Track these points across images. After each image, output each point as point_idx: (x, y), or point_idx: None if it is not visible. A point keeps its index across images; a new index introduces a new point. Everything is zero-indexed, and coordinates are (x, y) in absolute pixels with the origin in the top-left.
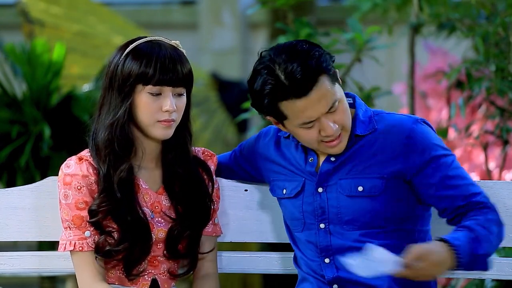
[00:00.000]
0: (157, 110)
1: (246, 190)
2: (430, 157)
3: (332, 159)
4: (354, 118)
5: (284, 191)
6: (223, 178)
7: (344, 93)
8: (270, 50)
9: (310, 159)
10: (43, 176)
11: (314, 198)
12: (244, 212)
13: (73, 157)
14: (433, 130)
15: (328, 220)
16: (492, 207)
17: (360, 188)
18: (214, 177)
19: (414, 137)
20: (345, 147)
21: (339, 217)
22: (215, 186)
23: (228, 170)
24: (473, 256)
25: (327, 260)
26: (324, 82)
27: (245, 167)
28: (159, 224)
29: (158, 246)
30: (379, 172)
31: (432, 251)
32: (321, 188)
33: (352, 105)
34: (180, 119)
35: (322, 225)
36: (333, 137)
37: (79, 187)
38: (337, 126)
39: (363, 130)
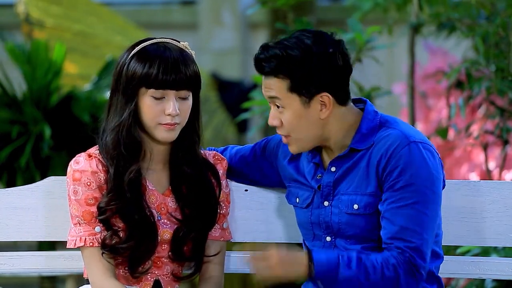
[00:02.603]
0: (159, 113)
1: (246, 190)
2: (401, 185)
3: (332, 169)
4: (357, 131)
5: (297, 199)
6: (236, 172)
7: (357, 98)
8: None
9: (318, 175)
10: (43, 176)
11: (320, 212)
12: (244, 212)
13: (82, 153)
14: (433, 155)
15: (333, 233)
16: (406, 259)
17: (355, 206)
18: (223, 181)
19: (401, 156)
20: (343, 159)
21: (342, 232)
22: (225, 190)
23: (244, 167)
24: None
25: None
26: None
27: (263, 165)
28: (164, 226)
29: (163, 247)
30: (371, 189)
31: (286, 254)
32: (327, 202)
33: (361, 114)
34: (185, 121)
35: (328, 238)
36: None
37: (88, 183)
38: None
39: (361, 145)
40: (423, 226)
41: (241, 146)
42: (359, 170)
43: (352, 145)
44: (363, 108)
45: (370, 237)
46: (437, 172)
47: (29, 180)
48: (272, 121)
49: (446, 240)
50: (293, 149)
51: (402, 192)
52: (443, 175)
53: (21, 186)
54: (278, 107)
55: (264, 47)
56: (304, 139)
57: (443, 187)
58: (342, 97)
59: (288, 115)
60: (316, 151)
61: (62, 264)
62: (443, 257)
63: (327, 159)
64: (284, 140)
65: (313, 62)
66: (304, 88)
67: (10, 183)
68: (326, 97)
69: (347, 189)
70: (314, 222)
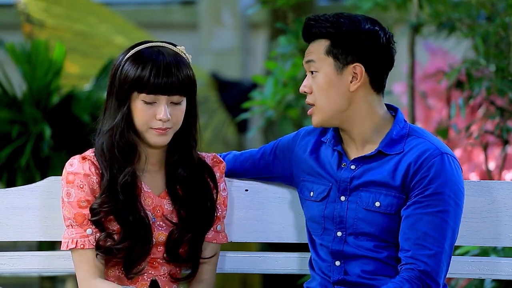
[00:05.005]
0: (151, 117)
1: (246, 190)
2: (430, 192)
3: (352, 167)
4: (387, 134)
5: (311, 193)
6: (238, 173)
7: (387, 104)
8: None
9: (343, 164)
10: (43, 176)
11: (335, 206)
12: (244, 212)
13: (77, 156)
14: (460, 170)
15: (345, 229)
16: (418, 274)
17: (377, 204)
18: (220, 184)
19: (432, 165)
20: (368, 159)
21: (355, 228)
22: (223, 193)
23: (249, 165)
24: None
25: (337, 263)
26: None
27: (273, 163)
28: (160, 228)
29: (158, 249)
30: (395, 192)
31: None
32: (344, 197)
33: (391, 119)
34: (178, 126)
35: (339, 233)
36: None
37: (81, 186)
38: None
39: (390, 150)
40: (444, 235)
41: (245, 151)
42: (383, 172)
43: (381, 148)
44: (393, 115)
45: (385, 238)
46: (462, 187)
47: (29, 180)
48: (303, 88)
49: None
50: (315, 119)
51: (429, 199)
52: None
53: (21, 186)
54: (312, 73)
55: (317, 15)
56: (328, 109)
57: None
58: (376, 81)
59: (319, 79)
60: (338, 140)
61: (62, 264)
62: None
63: (349, 150)
64: (309, 110)
65: (359, 33)
66: (341, 54)
67: (10, 183)
68: (359, 68)
69: (367, 186)
70: (327, 216)
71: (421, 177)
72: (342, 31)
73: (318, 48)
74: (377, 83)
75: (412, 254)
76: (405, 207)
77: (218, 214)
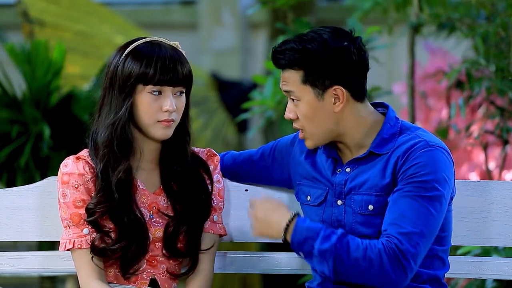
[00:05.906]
0: (157, 110)
1: (246, 190)
2: (412, 177)
3: (347, 170)
4: (378, 134)
5: (308, 197)
6: (238, 174)
7: (378, 102)
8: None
9: (338, 170)
10: (43, 176)
11: (333, 210)
12: (244, 212)
13: (71, 156)
14: (450, 163)
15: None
16: (393, 246)
17: (370, 207)
18: (215, 175)
19: (419, 156)
20: (360, 161)
21: (354, 231)
22: (218, 185)
23: (249, 166)
24: (304, 247)
25: None
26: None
27: (272, 166)
28: (156, 224)
29: (157, 246)
30: (386, 190)
31: (270, 208)
32: (340, 201)
33: (382, 118)
34: (179, 119)
35: None
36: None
37: (76, 186)
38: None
39: (381, 149)
40: (422, 218)
41: (243, 151)
42: (374, 171)
43: (372, 149)
44: (384, 113)
45: None
46: (449, 179)
47: (29, 180)
48: (288, 114)
49: None
50: (308, 143)
51: (412, 185)
52: (453, 185)
53: (21, 186)
54: (293, 100)
55: (283, 41)
56: (318, 133)
57: (452, 197)
58: (357, 93)
59: (302, 107)
60: (332, 147)
61: (62, 264)
62: (449, 266)
63: (343, 156)
64: (300, 135)
65: (328, 55)
66: (318, 80)
67: (10, 183)
68: (339, 90)
69: (359, 189)
70: (325, 221)
71: (407, 167)
72: (312, 58)
73: (293, 78)
74: (359, 93)
75: (387, 233)
76: (392, 193)
77: (214, 205)
